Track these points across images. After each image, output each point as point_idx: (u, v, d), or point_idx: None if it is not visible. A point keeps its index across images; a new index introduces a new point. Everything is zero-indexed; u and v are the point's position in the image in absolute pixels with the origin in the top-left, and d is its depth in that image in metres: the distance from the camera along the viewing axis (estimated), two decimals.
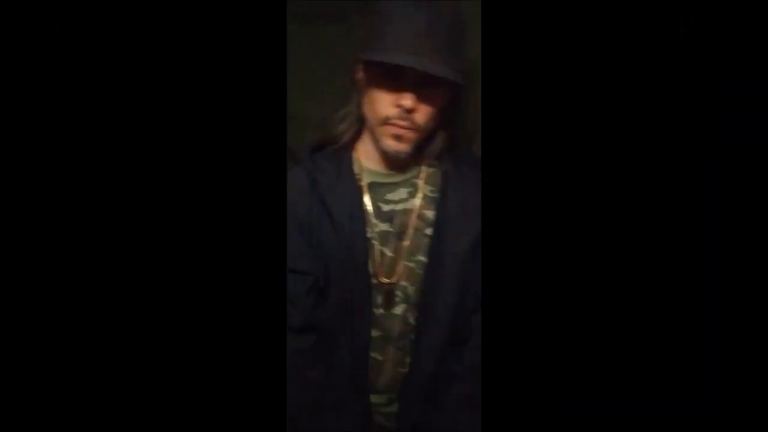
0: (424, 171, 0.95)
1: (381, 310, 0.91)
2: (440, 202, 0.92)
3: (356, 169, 0.94)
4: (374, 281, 0.91)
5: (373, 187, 0.93)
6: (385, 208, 0.92)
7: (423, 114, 0.87)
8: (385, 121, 0.87)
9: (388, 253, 0.92)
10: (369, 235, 0.91)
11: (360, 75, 0.89)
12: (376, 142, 0.91)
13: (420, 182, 0.94)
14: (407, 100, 0.84)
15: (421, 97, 0.85)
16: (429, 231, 0.92)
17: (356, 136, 0.95)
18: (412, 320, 0.91)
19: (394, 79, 0.85)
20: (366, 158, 0.95)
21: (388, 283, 0.91)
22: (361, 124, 0.93)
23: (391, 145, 0.88)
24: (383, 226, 0.92)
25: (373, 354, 0.92)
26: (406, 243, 0.91)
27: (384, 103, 0.86)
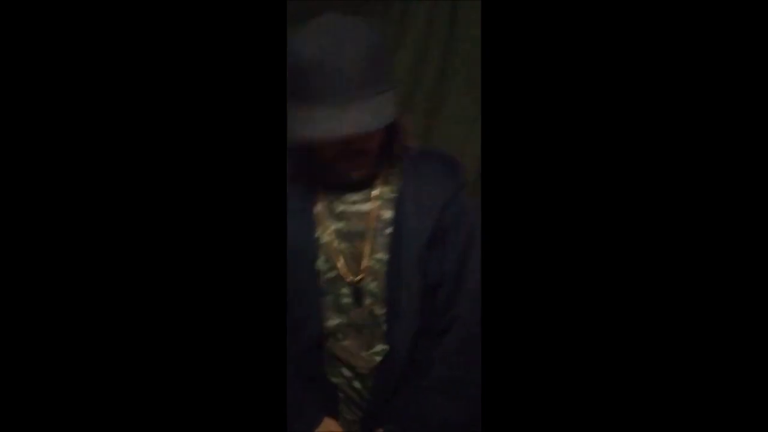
0: (383, 174, 0.98)
1: (349, 303, 0.95)
2: (397, 200, 0.96)
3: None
4: (340, 278, 0.95)
5: (330, 189, 0.96)
6: (339, 208, 0.96)
7: (368, 148, 0.88)
8: (333, 162, 0.89)
9: (347, 250, 0.95)
10: (318, 234, 0.95)
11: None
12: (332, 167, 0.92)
13: (377, 184, 0.97)
14: (345, 160, 0.87)
15: (358, 154, 0.88)
16: (388, 231, 0.95)
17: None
18: (379, 312, 0.95)
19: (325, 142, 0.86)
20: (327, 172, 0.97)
21: (356, 281, 0.95)
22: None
23: (349, 174, 0.91)
24: (337, 225, 0.96)
25: (342, 342, 0.95)
26: (366, 243, 0.95)
27: (327, 152, 0.88)
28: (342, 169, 0.91)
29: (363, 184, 0.97)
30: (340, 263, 0.95)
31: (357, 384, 0.97)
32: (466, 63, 1.25)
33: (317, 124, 0.82)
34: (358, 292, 0.96)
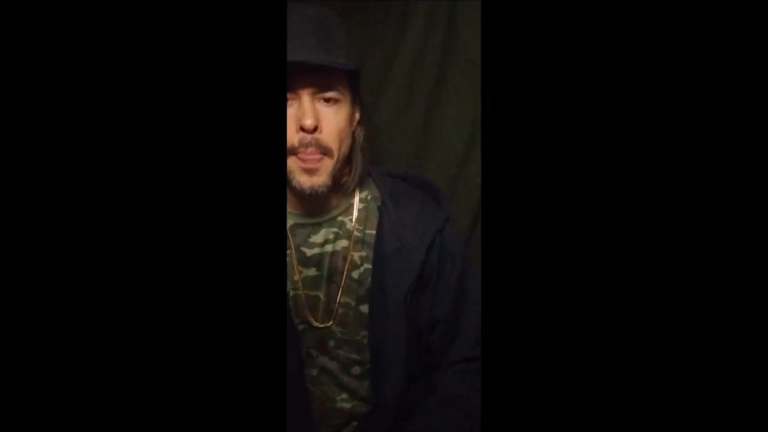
0: (354, 207, 0.89)
1: (315, 353, 0.90)
2: (376, 240, 0.87)
3: None
4: (310, 325, 0.89)
5: (295, 230, 0.87)
6: (310, 252, 0.87)
7: (329, 133, 0.80)
8: (292, 153, 0.80)
9: (321, 296, 0.88)
10: (291, 283, 0.86)
11: None
12: (290, 181, 0.82)
13: (347, 220, 0.89)
14: (307, 118, 0.78)
15: (323, 113, 0.80)
16: (355, 274, 0.88)
17: None
18: (359, 360, 0.89)
19: (293, 91, 0.79)
20: (288, 201, 0.87)
21: (320, 328, 0.88)
22: None
23: (303, 181, 0.81)
24: (310, 272, 0.88)
25: (313, 388, 0.90)
26: (334, 287, 0.88)
27: (288, 131, 0.80)
28: (300, 169, 0.80)
29: (319, 207, 0.87)
30: (310, 309, 0.87)
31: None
32: (466, 63, 1.24)
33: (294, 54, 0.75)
34: (322, 341, 0.89)
